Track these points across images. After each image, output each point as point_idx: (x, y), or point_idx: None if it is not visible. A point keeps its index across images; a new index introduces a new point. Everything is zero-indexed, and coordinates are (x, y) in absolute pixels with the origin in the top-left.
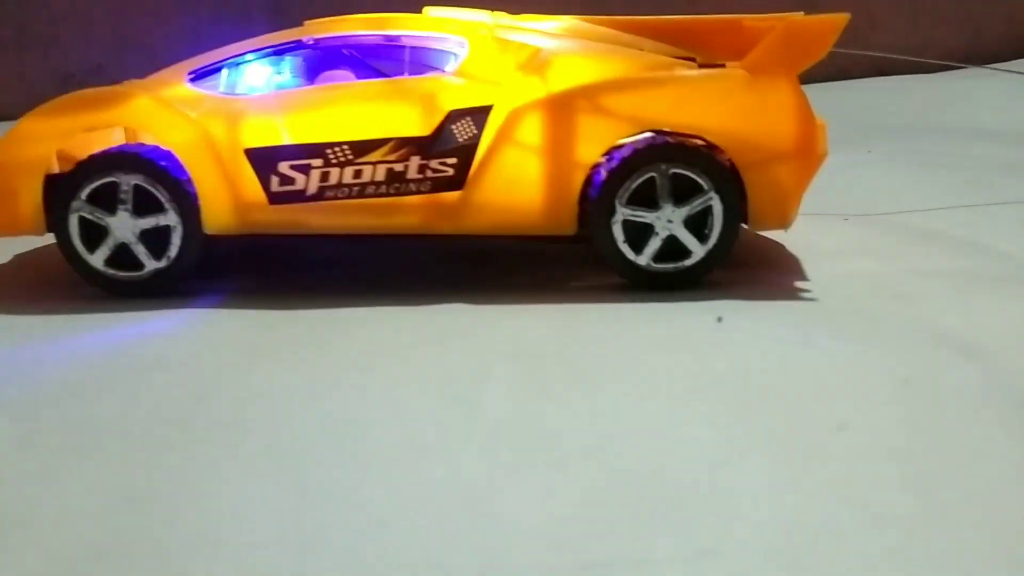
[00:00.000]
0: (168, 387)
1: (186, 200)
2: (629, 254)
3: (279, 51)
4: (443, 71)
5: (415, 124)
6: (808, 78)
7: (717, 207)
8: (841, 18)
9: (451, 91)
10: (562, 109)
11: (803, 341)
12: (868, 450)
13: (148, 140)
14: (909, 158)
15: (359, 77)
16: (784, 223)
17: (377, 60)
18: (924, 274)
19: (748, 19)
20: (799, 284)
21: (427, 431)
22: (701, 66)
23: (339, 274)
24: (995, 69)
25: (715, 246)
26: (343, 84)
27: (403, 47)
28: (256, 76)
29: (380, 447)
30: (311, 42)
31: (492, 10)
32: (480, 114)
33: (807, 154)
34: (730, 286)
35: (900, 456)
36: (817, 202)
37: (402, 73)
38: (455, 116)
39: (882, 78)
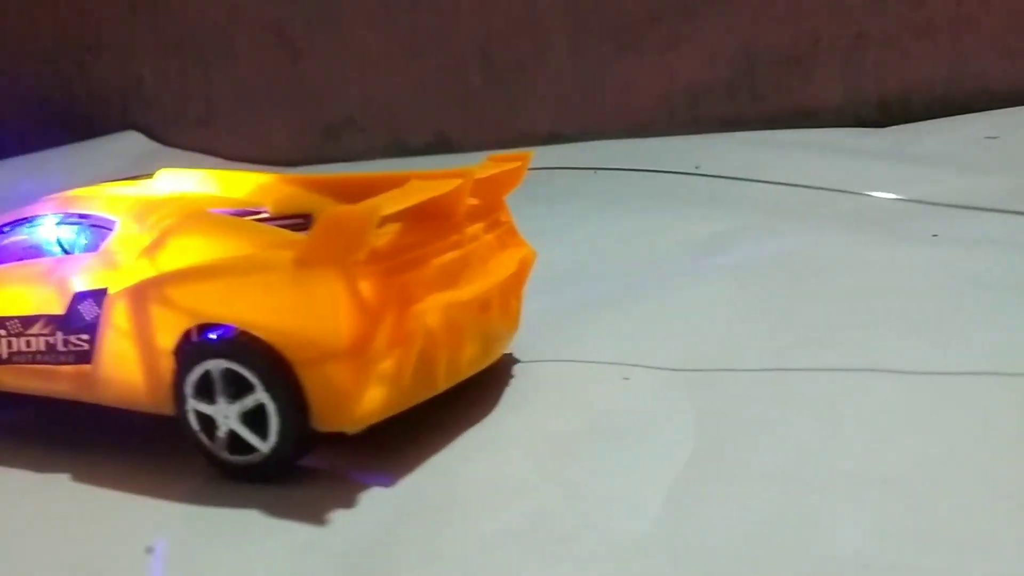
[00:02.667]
0: None
1: None
2: (206, 443)
3: (14, 225)
4: (92, 251)
5: (55, 303)
6: None
7: (270, 405)
8: (374, 214)
9: (83, 273)
10: (139, 298)
11: None
12: None
13: None
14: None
15: (48, 253)
16: (350, 423)
17: (64, 237)
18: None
19: (418, 175)
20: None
21: None
22: None
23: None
24: None
25: (277, 444)
26: (23, 263)
27: (82, 226)
28: None
29: None
30: (32, 218)
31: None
32: (99, 296)
33: (360, 352)
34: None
35: None
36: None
37: (73, 251)
38: (79, 297)
39: None
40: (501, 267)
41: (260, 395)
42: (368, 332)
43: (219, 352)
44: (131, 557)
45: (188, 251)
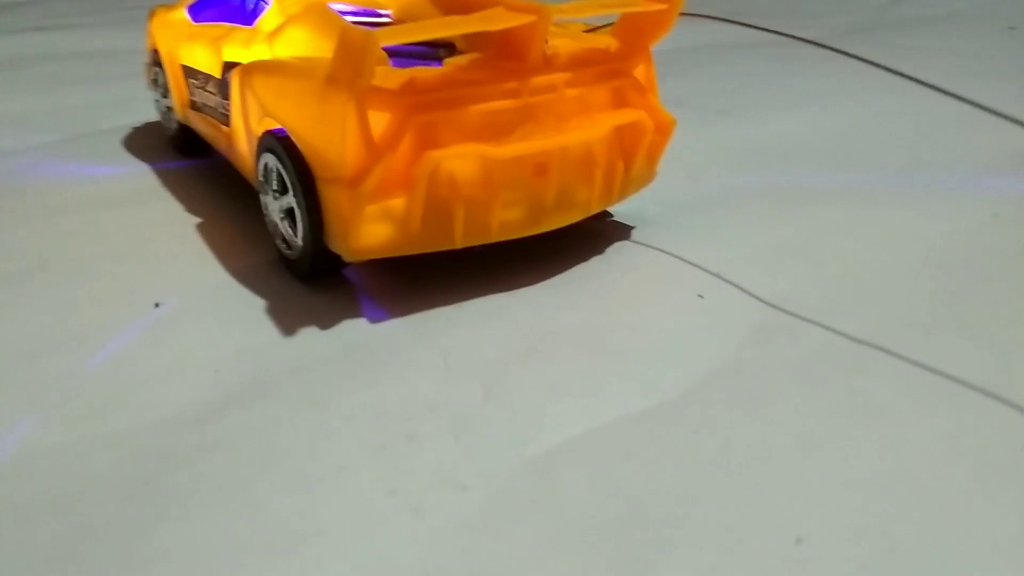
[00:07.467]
0: None
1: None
2: (269, 227)
3: None
4: (248, 25)
5: (216, 68)
6: None
7: (297, 210)
8: (371, 41)
9: (234, 44)
10: (244, 78)
11: None
12: None
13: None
14: None
15: (234, 20)
16: (346, 251)
17: (246, 7)
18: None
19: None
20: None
21: None
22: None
23: None
24: None
25: (302, 248)
26: (216, 24)
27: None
28: (205, 11)
29: None
30: None
31: None
32: (234, 67)
33: (357, 183)
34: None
35: None
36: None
37: (247, 22)
38: (226, 66)
39: None
40: (583, 129)
41: (291, 199)
42: (369, 165)
43: (272, 149)
44: (143, 303)
45: (295, 42)
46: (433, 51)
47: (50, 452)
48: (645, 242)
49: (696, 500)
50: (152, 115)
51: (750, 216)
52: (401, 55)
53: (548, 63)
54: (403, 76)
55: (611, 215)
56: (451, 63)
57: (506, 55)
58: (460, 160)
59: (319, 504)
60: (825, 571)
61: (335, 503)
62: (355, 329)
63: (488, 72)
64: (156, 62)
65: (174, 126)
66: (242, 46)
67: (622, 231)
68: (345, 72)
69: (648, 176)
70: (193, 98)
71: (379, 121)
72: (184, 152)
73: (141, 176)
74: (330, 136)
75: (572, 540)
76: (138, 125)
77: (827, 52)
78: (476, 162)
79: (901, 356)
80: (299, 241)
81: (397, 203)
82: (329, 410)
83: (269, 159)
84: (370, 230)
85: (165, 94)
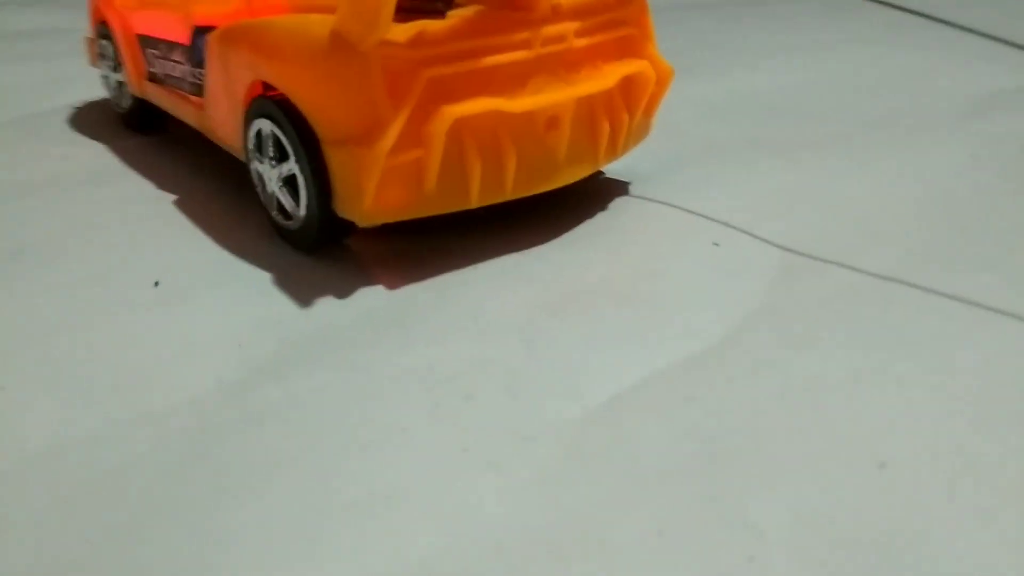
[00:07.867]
0: None
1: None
2: (262, 198)
3: None
4: None
5: (183, 34)
6: None
7: (299, 177)
8: None
9: (205, 8)
10: (227, 41)
11: None
12: None
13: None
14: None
15: None
16: (358, 215)
17: None
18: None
19: None
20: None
21: None
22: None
23: None
24: None
25: (306, 217)
26: None
27: None
28: None
29: None
30: None
31: None
32: (206, 33)
33: (371, 142)
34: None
35: None
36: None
37: None
38: (198, 32)
39: None
40: (592, 80)
41: (293, 165)
42: (383, 123)
43: (267, 113)
44: (140, 283)
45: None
46: (432, 3)
47: (82, 436)
48: (646, 196)
49: (769, 435)
50: (95, 93)
51: (742, 167)
52: (399, 9)
53: (555, 13)
54: (412, 29)
55: (603, 173)
56: (456, 15)
57: (512, 5)
58: (475, 115)
59: (389, 465)
60: (915, 492)
61: (406, 464)
62: (374, 295)
63: (497, 23)
64: (103, 35)
65: (128, 102)
66: (217, 9)
67: (620, 187)
68: (357, 26)
69: (645, 130)
70: (152, 69)
71: (390, 76)
72: (139, 129)
73: (98, 155)
74: (340, 95)
75: (656, 482)
76: (80, 105)
77: (775, 11)
78: (490, 117)
79: (929, 289)
80: (301, 210)
81: (411, 162)
82: (371, 374)
83: (263, 125)
84: (384, 192)
85: (116, 68)
